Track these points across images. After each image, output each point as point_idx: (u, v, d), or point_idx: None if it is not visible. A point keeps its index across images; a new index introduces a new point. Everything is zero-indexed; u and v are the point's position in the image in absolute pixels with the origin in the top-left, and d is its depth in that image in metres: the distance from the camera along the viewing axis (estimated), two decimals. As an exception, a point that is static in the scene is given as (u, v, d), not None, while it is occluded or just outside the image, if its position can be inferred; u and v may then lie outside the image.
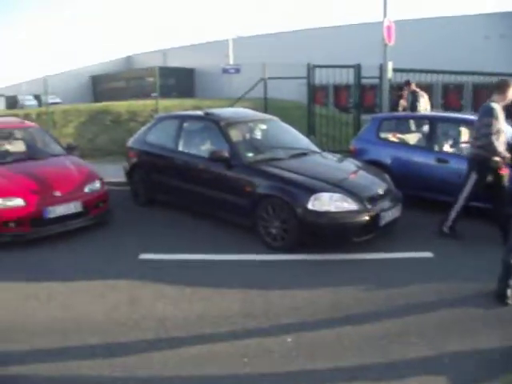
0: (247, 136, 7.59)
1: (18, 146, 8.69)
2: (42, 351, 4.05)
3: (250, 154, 6.93)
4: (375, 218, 5.97)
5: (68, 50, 51.06)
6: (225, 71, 22.75)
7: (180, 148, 7.73)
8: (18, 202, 6.70)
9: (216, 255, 6.09)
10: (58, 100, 32.30)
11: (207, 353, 3.93)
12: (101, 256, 6.33)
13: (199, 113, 8.22)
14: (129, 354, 3.95)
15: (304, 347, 3.97)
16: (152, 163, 8.33)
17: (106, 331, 4.34)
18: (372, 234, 6.04)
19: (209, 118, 7.58)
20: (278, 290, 5.05)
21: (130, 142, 9.09)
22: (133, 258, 6.13)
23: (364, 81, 12.21)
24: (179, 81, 44.11)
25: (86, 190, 7.31)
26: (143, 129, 9.16)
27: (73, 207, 7.02)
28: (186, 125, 7.97)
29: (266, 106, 12.95)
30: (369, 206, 5.98)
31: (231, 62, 36.24)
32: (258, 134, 7.66)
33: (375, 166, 7.62)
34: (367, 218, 5.88)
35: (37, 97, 37.95)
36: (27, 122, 9.66)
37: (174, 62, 48.15)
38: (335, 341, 4.06)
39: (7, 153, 8.29)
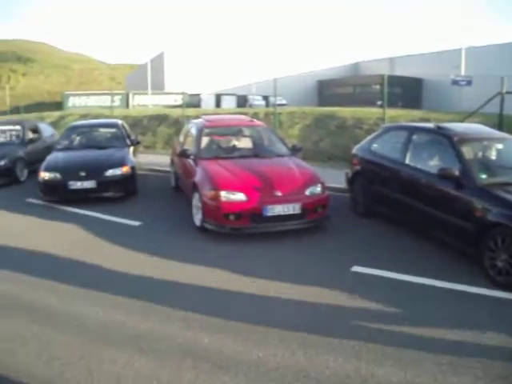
0: (481, 155, 7.02)
1: (245, 143, 9.28)
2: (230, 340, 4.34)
3: (484, 176, 6.38)
4: None
5: (297, 55, 53.40)
6: (455, 83, 21.80)
7: (407, 161, 7.46)
8: (240, 196, 7.13)
9: (431, 280, 5.69)
10: (284, 102, 34.08)
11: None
12: (314, 261, 6.45)
13: (430, 125, 7.85)
14: (328, 367, 3.88)
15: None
16: (374, 173, 8.26)
17: (303, 338, 4.35)
18: None
19: (441, 132, 7.16)
20: (498, 334, 4.42)
21: (355, 149, 9.13)
22: (346, 268, 6.11)
23: None
24: (405, 90, 43.29)
25: (307, 193, 7.45)
26: (369, 137, 9.13)
27: (291, 208, 7.21)
28: (414, 137, 7.66)
29: (502, 122, 11.94)
30: None
31: (462, 73, 34.58)
32: (493, 154, 7.01)
33: None
34: None
35: (265, 97, 40.77)
36: (256, 121, 10.25)
37: (401, 71, 47.47)
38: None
39: (235, 148, 8.91)
